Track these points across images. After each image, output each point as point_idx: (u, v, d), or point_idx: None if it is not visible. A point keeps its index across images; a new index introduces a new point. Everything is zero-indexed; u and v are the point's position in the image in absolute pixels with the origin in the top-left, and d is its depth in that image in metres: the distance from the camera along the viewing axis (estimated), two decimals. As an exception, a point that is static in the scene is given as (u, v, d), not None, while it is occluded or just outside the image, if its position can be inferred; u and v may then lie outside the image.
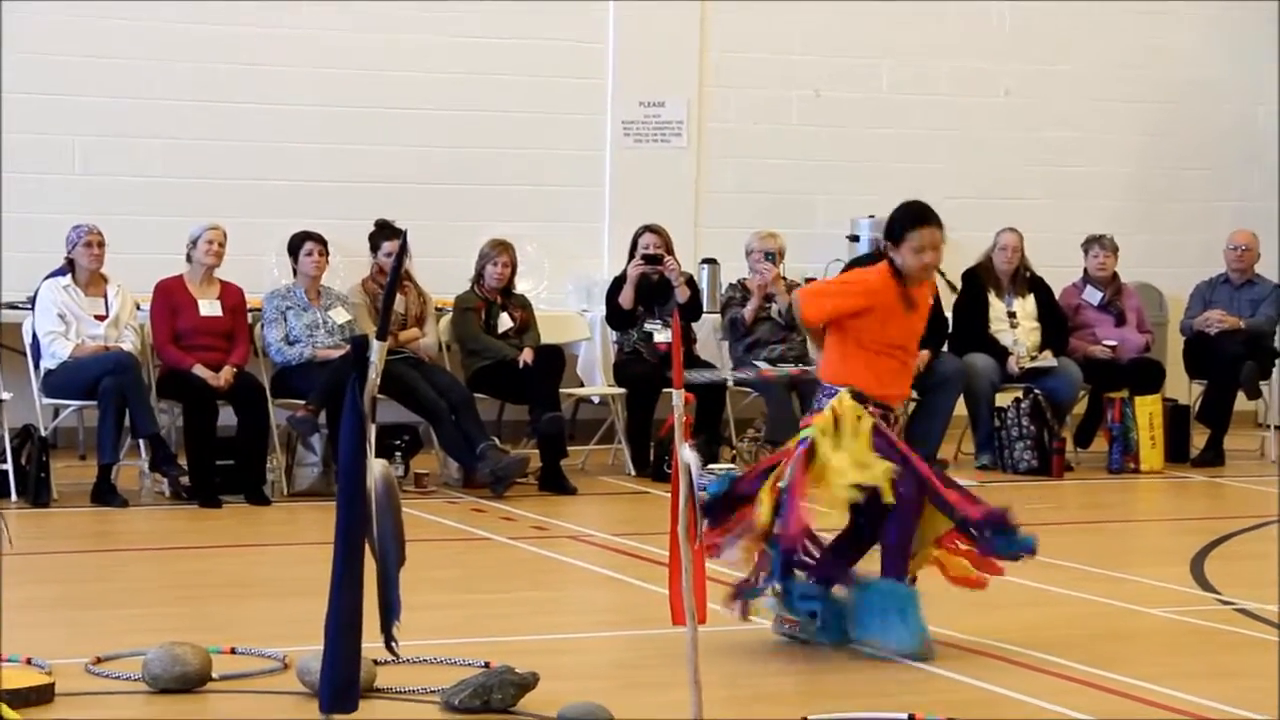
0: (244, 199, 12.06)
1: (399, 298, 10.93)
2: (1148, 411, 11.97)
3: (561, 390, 11.15)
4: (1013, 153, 13.86)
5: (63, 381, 10.20)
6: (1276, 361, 12.79)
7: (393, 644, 4.94)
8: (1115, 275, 12.58)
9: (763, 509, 6.52)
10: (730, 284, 12.02)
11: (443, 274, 11.54)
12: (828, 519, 6.80)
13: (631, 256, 11.60)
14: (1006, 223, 12.40)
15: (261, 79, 12.25)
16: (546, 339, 11.40)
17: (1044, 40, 13.92)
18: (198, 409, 10.19)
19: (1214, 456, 12.28)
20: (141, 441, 10.17)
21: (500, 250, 11.32)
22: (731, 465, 10.76)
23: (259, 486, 10.22)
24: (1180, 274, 13.47)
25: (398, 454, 10.68)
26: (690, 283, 11.64)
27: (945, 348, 11.87)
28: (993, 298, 12.13)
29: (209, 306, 10.49)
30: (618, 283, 11.66)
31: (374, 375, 4.77)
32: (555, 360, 11.15)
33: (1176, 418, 12.32)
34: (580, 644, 7.02)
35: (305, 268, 10.82)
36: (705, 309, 12.03)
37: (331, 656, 4.76)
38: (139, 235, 11.52)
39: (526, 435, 11.49)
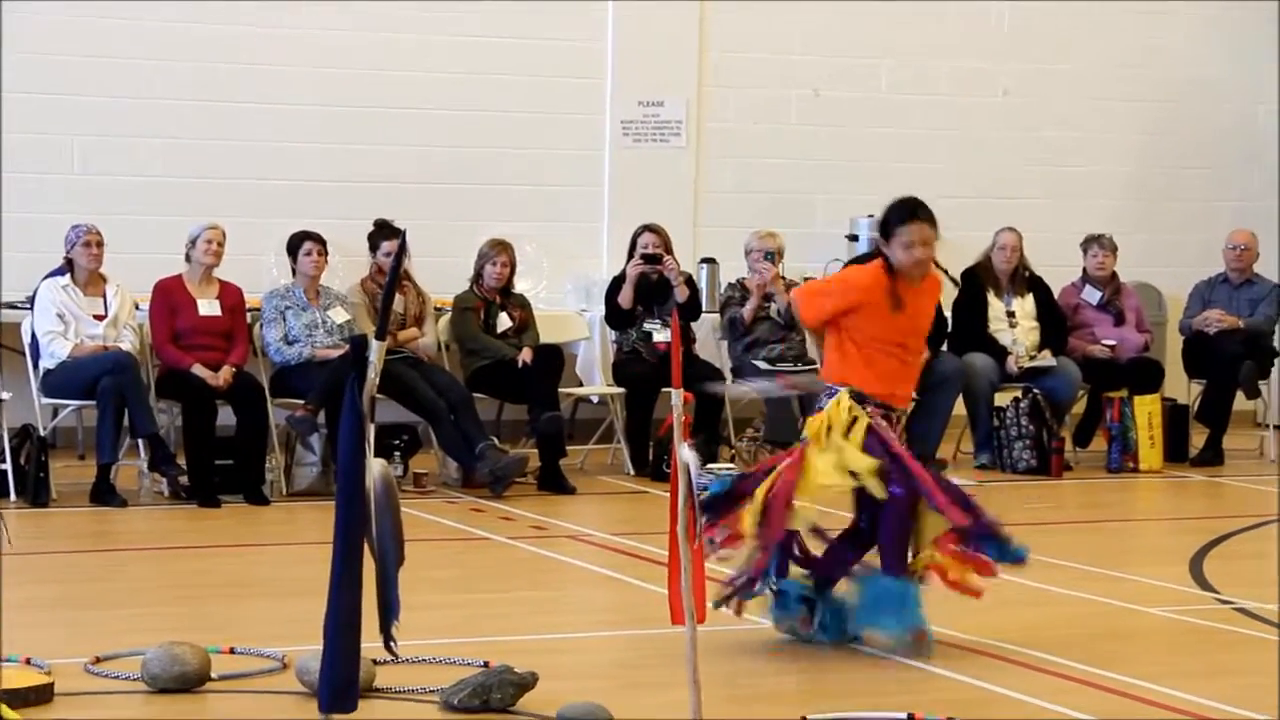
0: (244, 199, 12.06)
1: (398, 297, 10.93)
2: (1147, 411, 11.97)
3: (560, 390, 11.15)
4: (1012, 152, 13.86)
5: (62, 381, 10.20)
6: (1275, 361, 12.79)
7: (391, 644, 4.94)
8: (1114, 275, 12.58)
9: (748, 511, 6.53)
10: (729, 283, 12.02)
11: (442, 273, 11.53)
12: (830, 519, 6.81)
13: (630, 256, 11.60)
14: (1005, 222, 12.40)
15: (261, 79, 12.25)
16: (545, 338, 11.40)
17: (1043, 40, 13.92)
18: (197, 409, 10.19)
19: (1213, 456, 12.28)
20: (140, 441, 10.17)
21: (499, 250, 11.32)
22: (730, 465, 10.77)
23: (258, 486, 10.21)
24: (1179, 273, 13.47)
25: (397, 454, 10.68)
26: (689, 282, 11.64)
27: (944, 347, 11.88)
28: (992, 297, 12.13)
29: (208, 306, 10.49)
30: (617, 282, 11.66)
31: (373, 375, 4.77)
32: (554, 360, 11.15)
33: (1175, 417, 12.32)
34: (579, 644, 7.02)
35: (304, 267, 10.82)
36: (704, 308, 12.03)
37: (330, 656, 4.76)
38: (139, 235, 11.51)
39: (525, 435, 11.49)
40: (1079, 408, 12.34)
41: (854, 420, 6.61)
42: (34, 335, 10.36)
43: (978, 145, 13.77)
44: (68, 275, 10.35)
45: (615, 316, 11.64)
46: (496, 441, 10.75)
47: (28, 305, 10.58)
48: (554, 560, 8.73)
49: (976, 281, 12.06)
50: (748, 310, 11.69)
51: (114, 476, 10.05)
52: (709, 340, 12.11)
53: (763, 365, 11.54)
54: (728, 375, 11.75)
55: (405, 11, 12.53)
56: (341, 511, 4.75)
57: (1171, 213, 14.23)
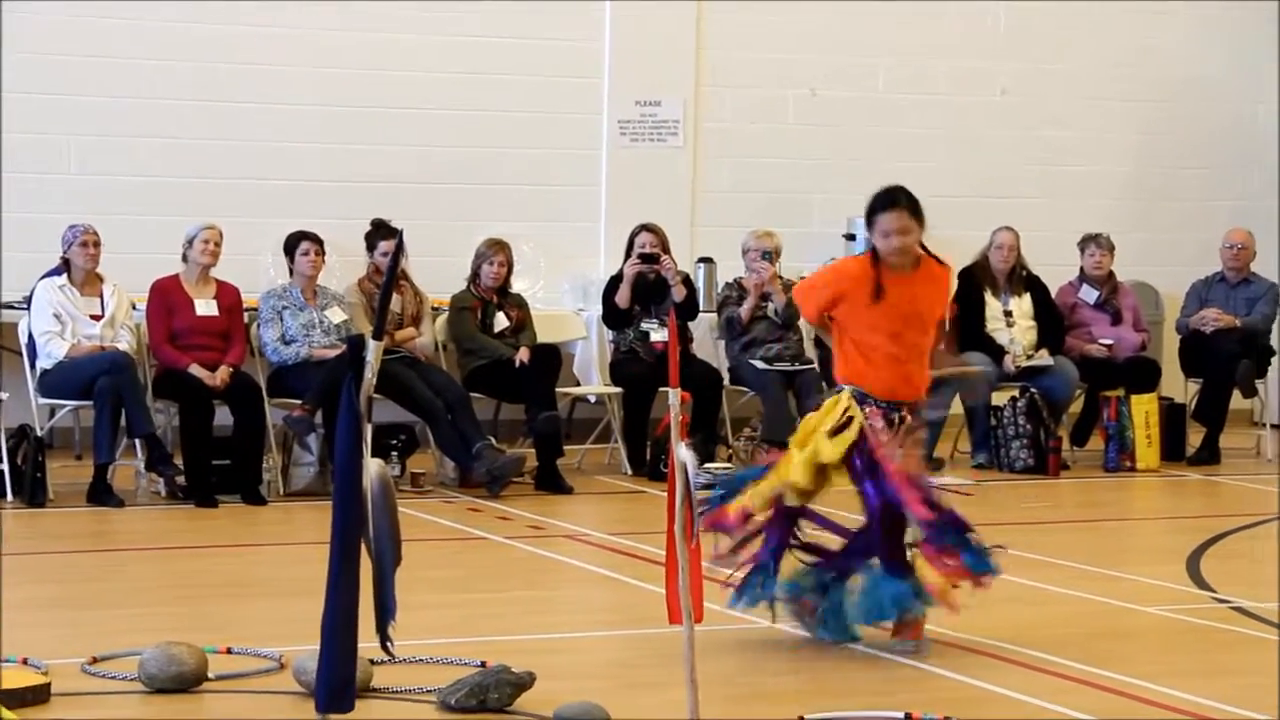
0: (243, 199, 12.06)
1: (395, 297, 10.92)
2: (1144, 410, 11.98)
3: (558, 389, 11.15)
4: (1009, 152, 13.86)
5: (59, 381, 10.20)
6: (1272, 360, 12.80)
7: (389, 644, 4.94)
8: (1111, 274, 12.58)
9: (745, 497, 6.61)
10: (727, 283, 12.02)
11: (439, 273, 11.53)
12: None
13: (628, 255, 11.60)
14: (1003, 221, 12.40)
15: (261, 79, 12.25)
16: (543, 338, 11.40)
17: (1041, 39, 13.93)
18: (194, 409, 10.18)
19: (1210, 455, 12.28)
20: (137, 441, 10.17)
21: (496, 249, 11.32)
22: (728, 464, 10.78)
23: (255, 486, 10.21)
24: (1176, 272, 13.47)
25: (394, 453, 10.67)
26: (687, 282, 11.64)
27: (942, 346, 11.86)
28: (989, 296, 12.13)
29: (205, 306, 10.49)
30: (614, 282, 11.66)
31: (370, 375, 4.77)
32: (551, 359, 11.15)
33: (1172, 416, 12.33)
34: (577, 643, 7.02)
35: (301, 267, 10.82)
36: (702, 308, 12.03)
37: (328, 656, 4.76)
38: (138, 235, 11.52)
39: (523, 434, 11.48)
40: (1076, 407, 12.35)
41: (848, 421, 6.60)
42: (31, 335, 10.36)
43: (975, 145, 13.77)
44: (64, 275, 10.35)
45: (612, 316, 11.63)
46: (494, 441, 10.75)
47: (25, 305, 10.58)
48: (551, 560, 8.73)
49: (974, 281, 12.06)
50: (745, 310, 11.69)
51: (111, 476, 10.04)
52: (706, 340, 12.11)
53: (760, 365, 11.54)
54: (725, 375, 11.76)
55: (403, 12, 12.53)
56: (338, 511, 4.74)
57: (1169, 212, 14.24)
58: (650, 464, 11.24)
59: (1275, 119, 14.38)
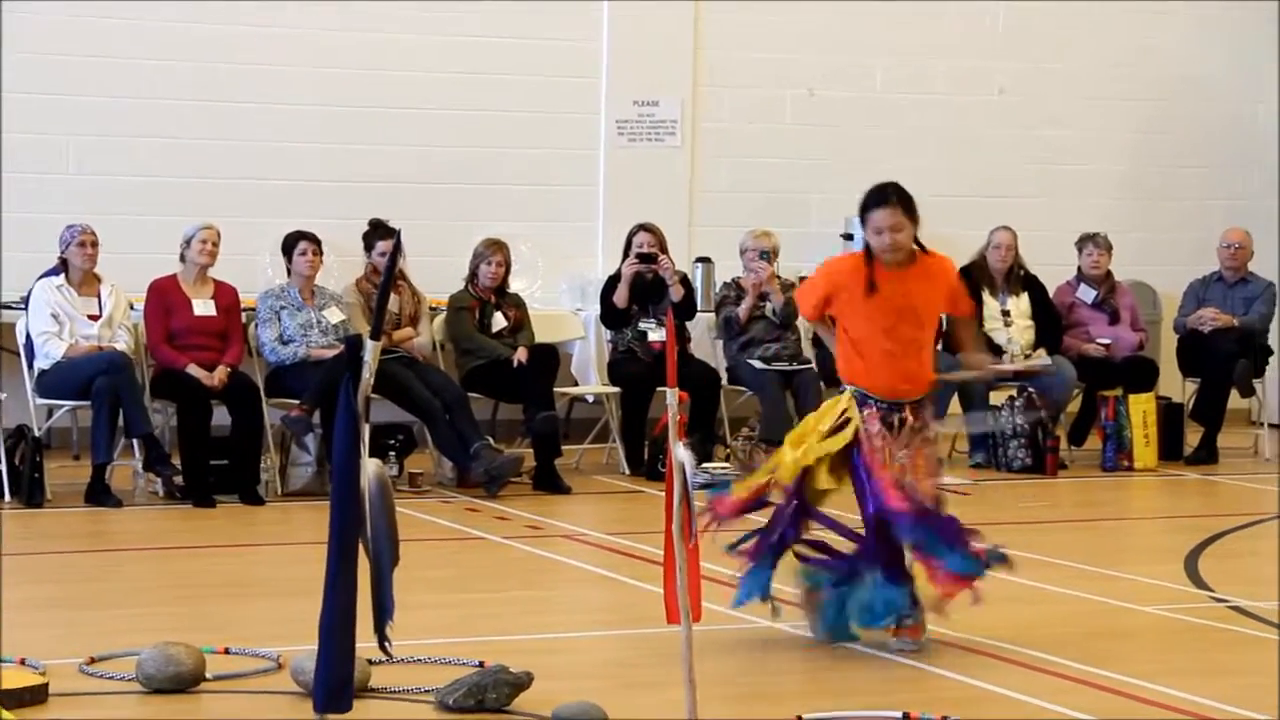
0: (242, 199, 12.06)
1: (393, 297, 10.92)
2: (1141, 409, 11.98)
3: (556, 389, 11.15)
4: (1007, 151, 13.87)
5: (56, 381, 10.19)
6: (1270, 359, 12.80)
7: (386, 644, 4.94)
8: (1109, 273, 12.59)
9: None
10: (725, 283, 12.02)
11: (437, 273, 11.54)
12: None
13: (626, 255, 11.60)
14: (1001, 221, 12.41)
15: (261, 79, 12.25)
16: (541, 338, 11.40)
17: (1039, 39, 13.93)
18: (192, 409, 10.18)
19: (1207, 454, 12.28)
20: (135, 441, 10.17)
21: (494, 249, 11.32)
22: (726, 464, 10.78)
23: (253, 486, 10.21)
24: (1174, 272, 13.48)
25: (392, 453, 10.66)
26: (685, 281, 11.64)
27: (940, 345, 11.86)
28: (987, 296, 12.13)
29: (203, 306, 10.48)
30: (612, 281, 11.65)
31: (368, 375, 4.77)
32: (549, 359, 11.15)
33: (1170, 415, 12.33)
34: (575, 643, 7.02)
35: (299, 267, 10.82)
36: (699, 308, 12.03)
37: (326, 656, 4.76)
38: (138, 235, 11.52)
39: (521, 434, 11.48)
40: (1074, 406, 12.35)
41: (845, 423, 6.60)
42: (29, 335, 10.35)
43: (973, 144, 13.77)
44: (62, 275, 10.35)
45: (610, 316, 11.63)
46: (492, 441, 10.75)
47: (23, 305, 10.57)
48: (549, 560, 8.73)
49: (971, 280, 12.03)
50: (743, 309, 11.69)
51: (109, 477, 10.04)
52: (704, 339, 12.11)
53: (757, 364, 11.54)
54: (723, 375, 11.76)
55: (402, 12, 12.53)
56: (336, 511, 4.74)
57: (1166, 211, 14.24)
58: (648, 464, 11.24)
59: (1274, 119, 14.38)
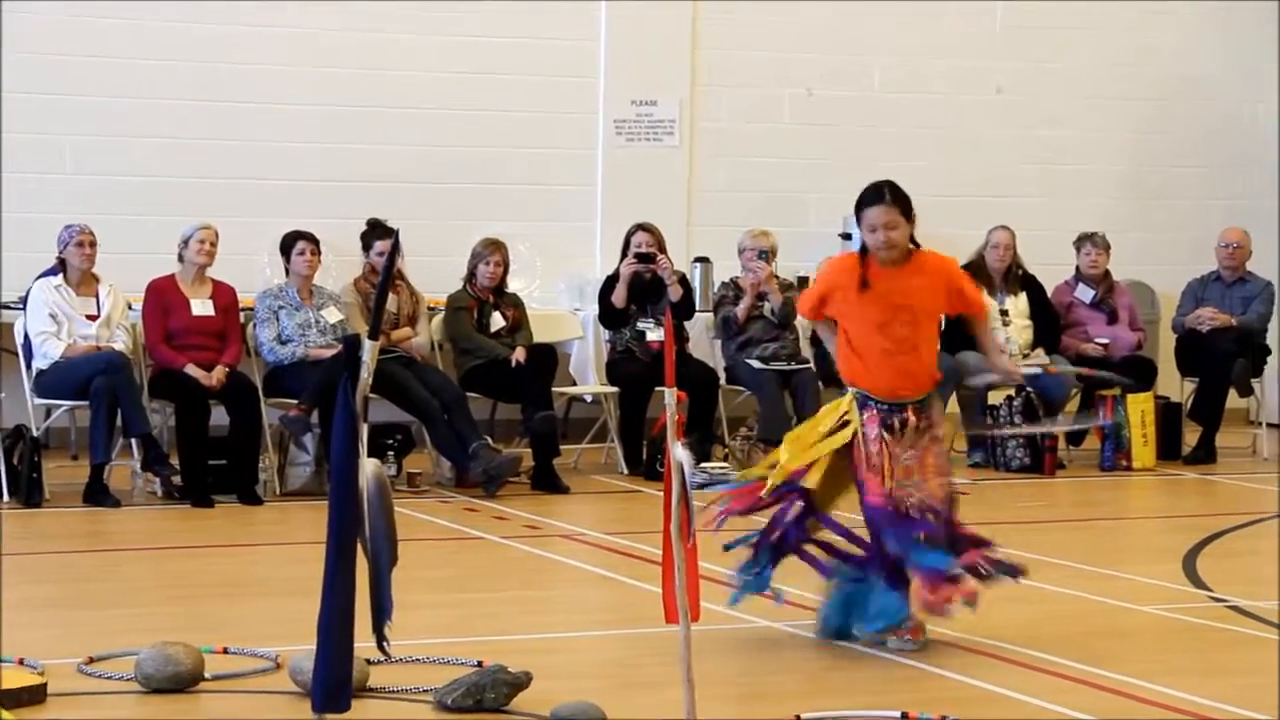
0: (242, 198, 12.06)
1: (391, 297, 10.92)
2: (1140, 409, 11.98)
3: (554, 389, 11.15)
4: (1005, 151, 13.87)
5: (54, 381, 10.19)
6: (1268, 359, 12.81)
7: (385, 644, 4.93)
8: (1107, 273, 12.59)
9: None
10: (723, 282, 12.02)
11: (435, 273, 11.54)
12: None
13: (624, 255, 11.60)
14: (999, 220, 12.41)
15: (260, 79, 12.26)
16: (539, 338, 11.40)
17: (1037, 38, 13.93)
18: (190, 409, 10.18)
19: (1206, 454, 12.29)
20: (134, 441, 10.16)
21: (492, 249, 11.32)
22: (724, 464, 10.78)
23: (251, 486, 10.21)
24: (1172, 271, 13.48)
25: (390, 453, 10.66)
26: (683, 281, 11.63)
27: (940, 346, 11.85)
28: (985, 296, 12.11)
29: (201, 306, 10.48)
30: (610, 281, 11.65)
31: (366, 374, 4.76)
32: (548, 359, 11.15)
33: (1168, 415, 12.33)
34: (573, 643, 7.02)
35: (297, 267, 10.81)
36: (698, 307, 12.03)
37: (324, 656, 4.76)
38: (138, 235, 11.52)
39: (519, 434, 11.48)
40: (1072, 406, 12.35)
41: (843, 424, 6.60)
42: (27, 335, 10.35)
43: (971, 144, 13.77)
44: (60, 275, 10.35)
45: (609, 316, 11.63)
46: (490, 441, 10.74)
47: (21, 305, 10.57)
48: (548, 560, 8.73)
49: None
50: (741, 309, 11.69)
51: (107, 477, 10.04)
52: (702, 339, 12.11)
53: (756, 364, 11.54)
54: (721, 375, 11.76)
55: (402, 12, 12.54)
56: (335, 511, 4.74)
57: (1165, 211, 14.25)
58: (646, 463, 11.24)
59: (1274, 118, 14.39)
